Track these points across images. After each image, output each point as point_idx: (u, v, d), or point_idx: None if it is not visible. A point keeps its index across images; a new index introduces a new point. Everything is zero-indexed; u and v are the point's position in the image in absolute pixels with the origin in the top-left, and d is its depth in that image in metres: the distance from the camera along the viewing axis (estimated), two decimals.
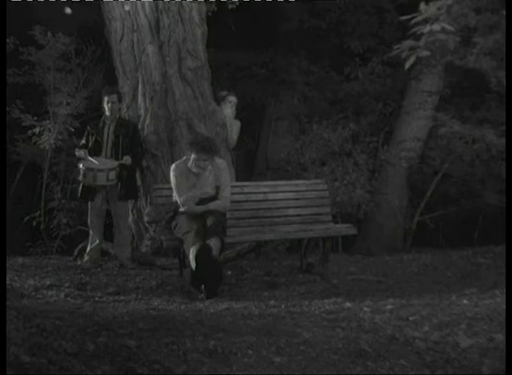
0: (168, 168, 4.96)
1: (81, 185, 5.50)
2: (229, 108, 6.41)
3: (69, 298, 4.23)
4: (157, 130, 5.93)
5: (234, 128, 6.45)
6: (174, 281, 4.86)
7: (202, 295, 4.28)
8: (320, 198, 5.46)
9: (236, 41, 8.10)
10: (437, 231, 7.89)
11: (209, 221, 4.51)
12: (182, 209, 4.66)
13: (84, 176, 5.29)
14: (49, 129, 6.59)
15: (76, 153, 5.48)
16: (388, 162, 7.46)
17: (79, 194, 5.61)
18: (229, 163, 6.24)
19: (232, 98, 6.48)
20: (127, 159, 5.43)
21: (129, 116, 6.01)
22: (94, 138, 5.51)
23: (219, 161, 4.88)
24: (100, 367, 2.34)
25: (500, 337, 2.87)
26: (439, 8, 3.47)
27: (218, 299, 4.19)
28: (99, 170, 5.25)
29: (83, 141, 5.61)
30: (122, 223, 5.69)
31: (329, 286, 4.74)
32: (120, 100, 5.75)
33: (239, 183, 5.47)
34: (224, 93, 6.53)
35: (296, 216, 5.36)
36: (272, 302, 4.09)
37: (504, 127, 4.79)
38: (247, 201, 5.31)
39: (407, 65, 3.56)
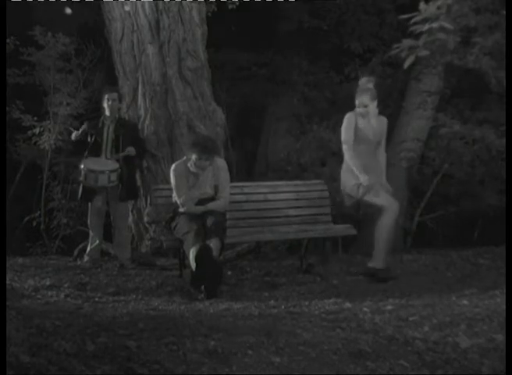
0: (168, 168, 4.96)
1: (81, 186, 5.50)
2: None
3: (68, 299, 4.23)
4: (157, 130, 5.93)
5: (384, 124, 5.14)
6: (174, 282, 4.85)
7: (202, 296, 4.28)
8: (320, 198, 5.47)
9: (236, 41, 8.09)
10: (437, 232, 7.88)
11: (209, 221, 4.51)
12: (181, 210, 4.67)
13: (86, 177, 5.29)
14: (49, 129, 6.60)
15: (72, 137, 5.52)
16: (388, 163, 7.45)
17: (79, 195, 5.60)
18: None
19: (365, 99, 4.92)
20: (131, 150, 5.42)
21: (129, 116, 6.01)
22: (93, 138, 5.51)
23: (219, 160, 4.89)
24: (100, 367, 2.34)
25: (500, 338, 2.87)
26: (438, 8, 3.46)
27: (218, 299, 4.19)
28: (100, 172, 5.25)
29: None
30: (123, 224, 5.69)
31: (329, 286, 4.74)
32: (120, 99, 5.76)
33: (239, 184, 5.47)
34: (365, 79, 5.16)
35: (296, 216, 5.36)
36: (271, 303, 4.09)
37: (504, 128, 4.79)
38: (246, 201, 5.31)
39: (406, 64, 3.55)
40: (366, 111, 4.94)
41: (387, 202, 4.90)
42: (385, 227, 4.86)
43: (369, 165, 4.95)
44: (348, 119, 4.98)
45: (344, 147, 4.97)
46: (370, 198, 4.91)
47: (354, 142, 4.92)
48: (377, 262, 4.88)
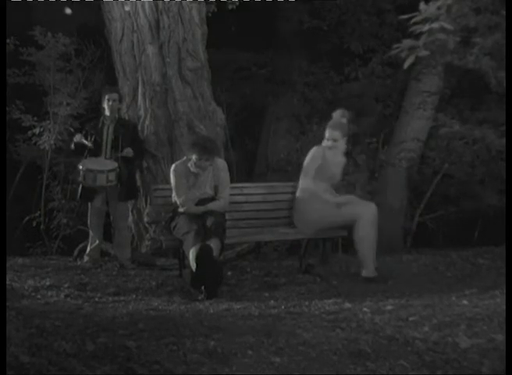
0: (168, 168, 4.97)
1: (80, 186, 5.50)
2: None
3: (68, 299, 4.23)
4: (157, 130, 5.93)
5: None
6: (174, 282, 4.86)
7: (202, 296, 4.28)
8: None
9: (236, 41, 8.09)
10: (437, 232, 7.88)
11: (209, 222, 4.52)
12: (181, 210, 4.67)
13: (84, 177, 5.29)
14: (49, 129, 6.59)
15: (74, 141, 5.48)
16: (388, 163, 7.45)
17: (78, 195, 5.61)
18: None
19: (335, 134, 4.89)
20: (128, 152, 5.42)
21: (129, 117, 6.01)
22: (93, 139, 5.51)
23: (219, 161, 4.89)
24: (100, 367, 2.34)
25: (500, 338, 2.86)
26: (438, 8, 3.47)
27: (218, 300, 4.19)
28: (99, 171, 5.25)
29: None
30: (122, 224, 5.69)
31: (329, 286, 4.74)
32: (121, 100, 5.76)
33: (238, 185, 5.47)
34: (339, 113, 5.04)
35: None
36: (271, 303, 4.09)
37: (504, 128, 4.78)
38: (246, 202, 5.32)
39: (406, 64, 3.55)
40: (334, 145, 4.91)
41: (361, 209, 4.85)
42: (366, 237, 4.80)
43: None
44: (314, 152, 4.96)
45: (303, 177, 4.98)
46: (345, 213, 4.86)
47: (315, 177, 4.91)
48: (368, 271, 4.85)
